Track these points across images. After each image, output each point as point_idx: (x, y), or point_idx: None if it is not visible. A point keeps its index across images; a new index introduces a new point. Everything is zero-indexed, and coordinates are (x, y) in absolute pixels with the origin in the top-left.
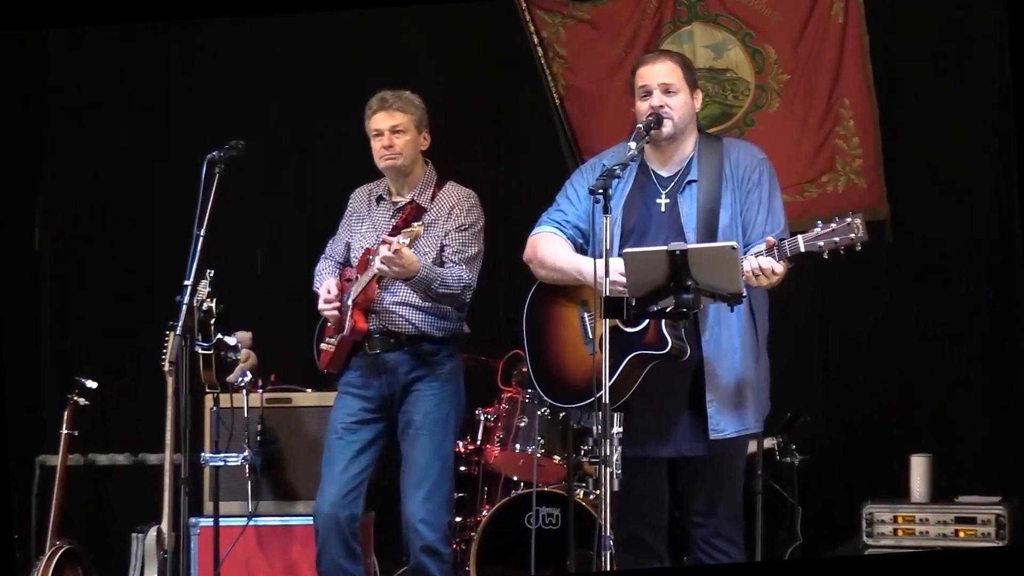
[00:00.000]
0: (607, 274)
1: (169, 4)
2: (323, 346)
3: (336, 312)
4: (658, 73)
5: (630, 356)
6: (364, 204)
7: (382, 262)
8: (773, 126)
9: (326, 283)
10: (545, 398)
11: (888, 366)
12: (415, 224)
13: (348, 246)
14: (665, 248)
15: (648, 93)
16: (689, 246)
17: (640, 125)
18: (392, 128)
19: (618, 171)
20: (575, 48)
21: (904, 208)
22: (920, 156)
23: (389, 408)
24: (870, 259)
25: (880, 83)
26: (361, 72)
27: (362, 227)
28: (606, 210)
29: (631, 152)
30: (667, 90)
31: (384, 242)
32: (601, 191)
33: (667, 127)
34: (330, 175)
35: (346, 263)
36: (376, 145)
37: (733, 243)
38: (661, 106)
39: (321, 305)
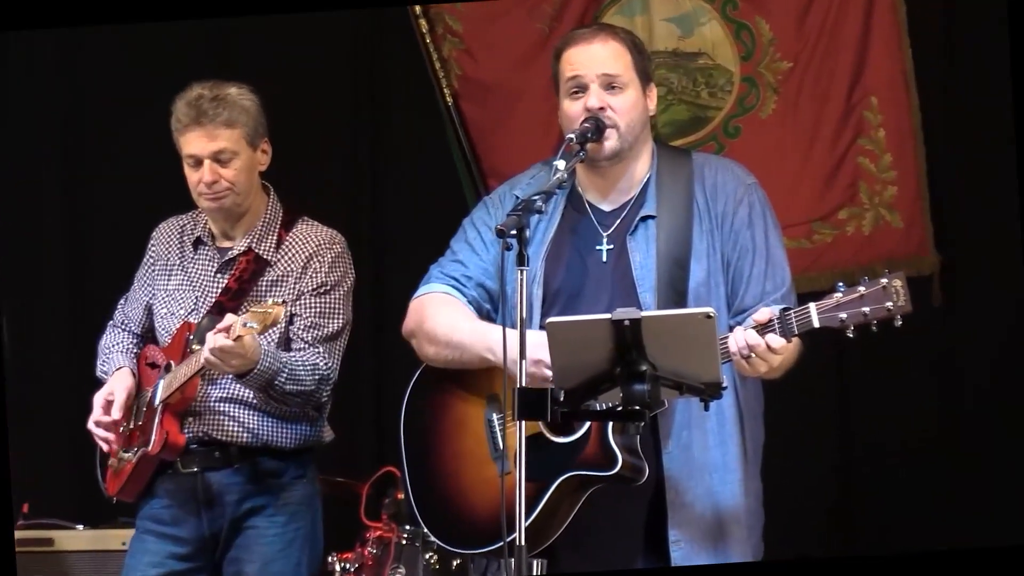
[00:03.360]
0: (522, 355)
1: None
2: (113, 462)
3: (110, 437)
4: (596, 58)
5: (561, 479)
6: (174, 248)
7: (214, 354)
8: (767, 137)
9: (108, 384)
10: (433, 538)
11: (936, 490)
12: (271, 301)
13: (149, 310)
14: (608, 316)
15: (581, 88)
16: (644, 313)
17: (571, 136)
18: (215, 155)
19: (539, 203)
20: (476, 22)
21: (958, 259)
22: (980, 182)
23: (211, 553)
24: (914, 332)
25: (924, 76)
26: (161, 63)
27: (170, 283)
28: (521, 261)
29: (558, 175)
30: (610, 84)
31: (218, 329)
32: (514, 233)
33: (610, 140)
34: (123, 201)
35: (148, 334)
36: (192, 176)
37: (710, 309)
38: (601, 108)
39: (90, 424)
